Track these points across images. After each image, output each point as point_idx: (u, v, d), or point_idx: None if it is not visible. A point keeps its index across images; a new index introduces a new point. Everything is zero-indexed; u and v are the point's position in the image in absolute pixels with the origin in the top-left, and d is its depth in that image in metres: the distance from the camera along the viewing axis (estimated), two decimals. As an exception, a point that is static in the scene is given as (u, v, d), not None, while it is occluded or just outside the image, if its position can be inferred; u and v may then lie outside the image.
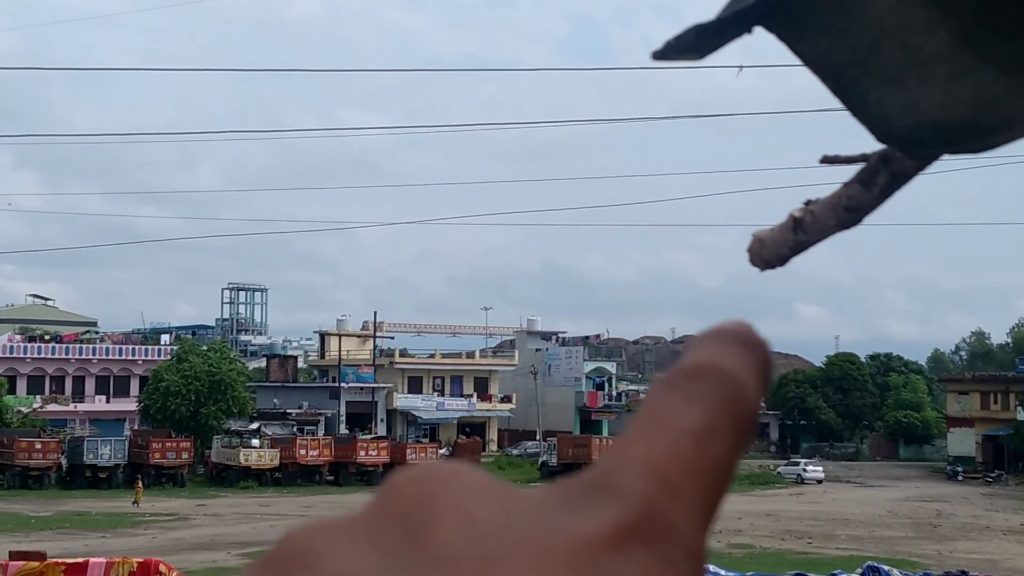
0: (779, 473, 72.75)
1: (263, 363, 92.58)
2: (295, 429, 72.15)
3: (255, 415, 73.05)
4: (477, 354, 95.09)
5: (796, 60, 0.71)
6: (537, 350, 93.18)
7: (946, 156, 0.80)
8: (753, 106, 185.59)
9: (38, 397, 75.69)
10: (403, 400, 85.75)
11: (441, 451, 71.02)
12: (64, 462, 60.36)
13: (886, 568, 17.41)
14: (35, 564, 11.58)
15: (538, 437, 78.31)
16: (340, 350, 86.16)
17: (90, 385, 79.73)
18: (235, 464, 62.89)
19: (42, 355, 78.26)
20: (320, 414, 79.46)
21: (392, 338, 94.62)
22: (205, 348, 71.76)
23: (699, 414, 0.42)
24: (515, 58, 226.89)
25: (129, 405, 75.90)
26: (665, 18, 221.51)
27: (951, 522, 49.56)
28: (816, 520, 48.71)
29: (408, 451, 66.59)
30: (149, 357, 78.91)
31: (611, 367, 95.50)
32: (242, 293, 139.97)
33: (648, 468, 0.41)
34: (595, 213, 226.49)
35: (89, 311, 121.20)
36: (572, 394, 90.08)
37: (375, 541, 0.40)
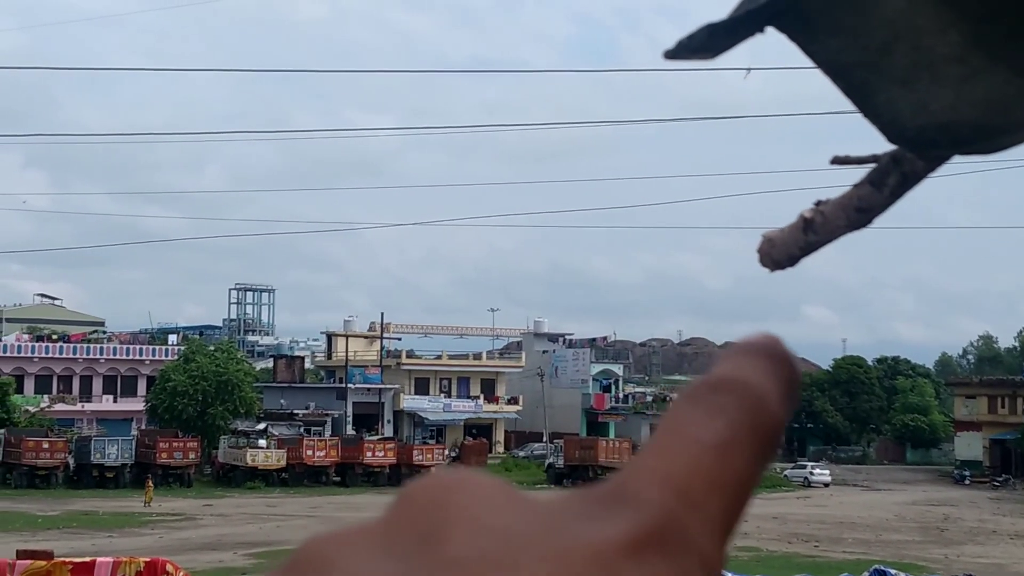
0: (786, 476, 72.62)
1: (270, 364, 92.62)
2: (302, 430, 72.22)
3: (262, 415, 73.13)
4: (484, 356, 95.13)
5: (805, 62, 0.70)
6: (544, 352, 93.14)
7: (957, 157, 0.80)
8: (761, 108, 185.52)
9: (46, 397, 75.80)
10: (410, 401, 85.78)
11: (448, 452, 71.03)
12: (71, 462, 60.45)
13: (893, 572, 17.42)
14: (42, 563, 11.61)
15: (545, 439, 78.25)
16: (347, 351, 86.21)
17: (97, 385, 79.85)
18: (242, 464, 62.94)
19: (50, 355, 78.39)
20: (327, 415, 79.51)
21: (399, 339, 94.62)
22: (212, 348, 71.84)
23: (721, 427, 0.43)
24: (520, 59, 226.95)
25: (136, 405, 75.99)
26: (670, 19, 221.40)
27: (958, 526, 49.47)
28: (823, 523, 48.65)
29: (414, 452, 66.63)
30: (156, 357, 79.00)
31: (618, 369, 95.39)
32: (249, 294, 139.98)
33: (666, 479, 0.41)
34: (602, 215, 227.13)
35: (97, 311, 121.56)
36: (579, 396, 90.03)
37: (391, 549, 0.40)
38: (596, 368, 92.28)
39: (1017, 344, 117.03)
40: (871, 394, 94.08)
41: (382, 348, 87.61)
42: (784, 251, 1.23)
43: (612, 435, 79.08)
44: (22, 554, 12.09)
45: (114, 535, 39.61)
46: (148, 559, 12.76)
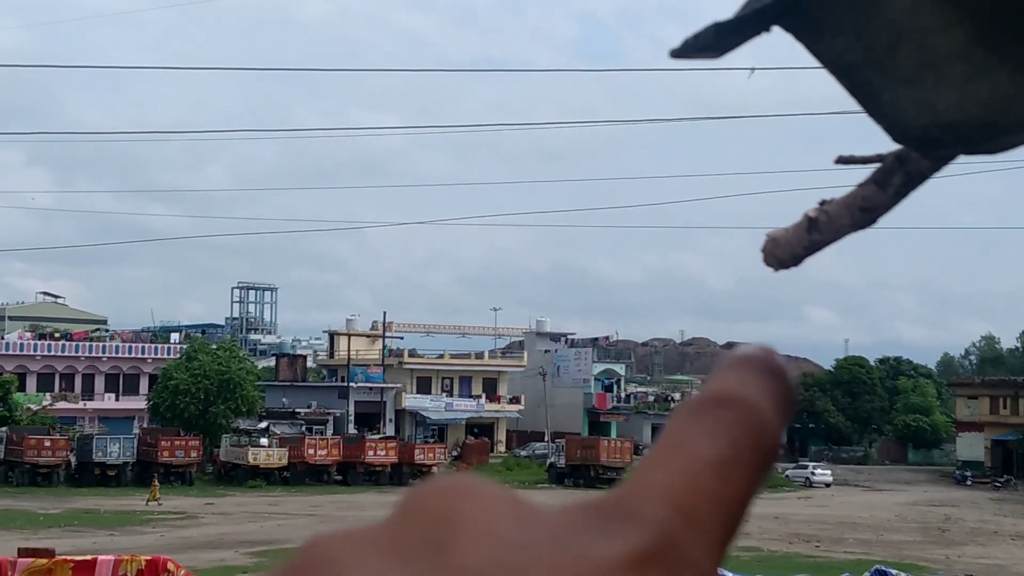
0: (787, 476, 72.59)
1: (272, 362, 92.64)
2: (304, 428, 72.23)
3: (264, 414, 73.15)
4: (486, 355, 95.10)
5: (809, 62, 0.71)
6: (546, 351, 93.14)
7: (961, 157, 0.80)
8: (766, 108, 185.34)
9: (48, 395, 75.86)
10: (412, 400, 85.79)
11: (449, 452, 71.04)
12: (73, 460, 60.45)
13: (894, 572, 17.40)
14: (44, 561, 11.61)
15: (546, 438, 78.24)
16: (349, 350, 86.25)
17: (100, 383, 79.88)
18: (244, 463, 62.95)
19: (52, 353, 78.44)
20: (329, 414, 79.51)
21: (401, 338, 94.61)
22: (214, 347, 71.83)
23: (721, 444, 0.43)
24: (524, 59, 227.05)
25: (138, 403, 76.03)
26: (673, 19, 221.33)
27: (959, 527, 49.45)
28: (824, 524, 48.63)
29: (416, 451, 66.64)
30: (159, 355, 79.04)
31: (620, 369, 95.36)
32: (252, 292, 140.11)
33: (667, 495, 0.41)
34: (605, 214, 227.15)
35: (99, 309, 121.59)
36: (581, 395, 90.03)
37: (397, 553, 0.40)
38: (598, 368, 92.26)
39: (1019, 345, 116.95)
40: (873, 394, 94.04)
41: (384, 347, 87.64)
42: (788, 250, 1.23)
43: (614, 435, 79.07)
44: (23, 552, 12.08)
45: (115, 533, 39.61)
46: (149, 557, 12.76)
